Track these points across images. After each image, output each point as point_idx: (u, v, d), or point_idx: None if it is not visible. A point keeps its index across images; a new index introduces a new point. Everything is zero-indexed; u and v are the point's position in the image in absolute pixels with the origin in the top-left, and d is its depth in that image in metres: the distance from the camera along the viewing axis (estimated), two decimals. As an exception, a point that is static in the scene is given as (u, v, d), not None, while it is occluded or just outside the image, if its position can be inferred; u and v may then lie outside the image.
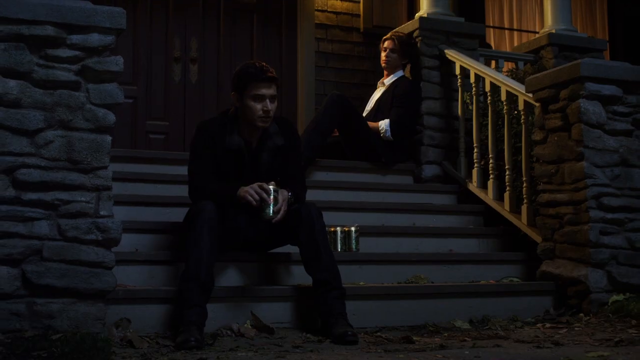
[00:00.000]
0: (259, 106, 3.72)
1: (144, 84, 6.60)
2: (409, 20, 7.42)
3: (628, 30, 8.30)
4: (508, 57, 6.22)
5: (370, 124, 5.41)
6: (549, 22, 6.18)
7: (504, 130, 4.93)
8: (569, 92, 4.19)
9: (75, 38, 3.19)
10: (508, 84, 4.85)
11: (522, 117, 4.75)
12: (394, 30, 5.84)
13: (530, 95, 4.51)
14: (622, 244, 4.12)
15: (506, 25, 8.07)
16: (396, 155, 5.44)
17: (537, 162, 4.44)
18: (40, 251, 3.08)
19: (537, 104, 4.45)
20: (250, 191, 3.55)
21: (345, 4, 7.24)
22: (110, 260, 3.16)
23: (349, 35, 7.23)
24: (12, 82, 3.09)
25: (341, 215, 4.65)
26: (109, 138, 3.22)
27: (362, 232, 4.34)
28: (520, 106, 4.74)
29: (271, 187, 3.56)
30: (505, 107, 4.90)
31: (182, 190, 4.37)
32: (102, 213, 3.17)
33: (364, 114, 5.59)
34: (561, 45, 6.02)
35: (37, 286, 3.06)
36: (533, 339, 3.36)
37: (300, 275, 3.85)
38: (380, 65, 5.80)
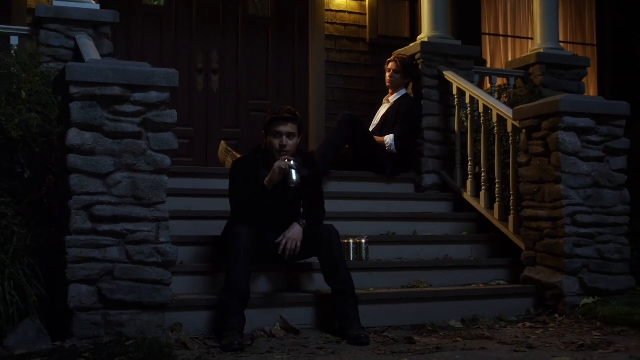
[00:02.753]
0: (277, 141, 4.41)
1: (170, 93, 7.24)
2: (411, 29, 8.15)
3: (616, 37, 8.92)
4: (500, 74, 6.89)
5: (377, 138, 6.10)
6: (538, 41, 6.82)
7: (495, 147, 5.61)
8: (550, 123, 4.88)
9: (138, 96, 3.88)
10: (499, 108, 5.53)
11: (511, 138, 5.43)
12: (398, 51, 6.49)
13: (517, 121, 5.19)
14: (592, 255, 4.84)
15: (501, 32, 8.69)
16: (399, 166, 6.13)
17: (522, 181, 5.13)
18: (112, 272, 3.80)
19: (523, 130, 5.13)
20: (274, 169, 4.27)
21: (353, 16, 7.87)
22: (168, 278, 3.89)
23: (356, 45, 7.87)
24: (88, 134, 3.79)
25: (352, 225, 5.37)
26: (166, 178, 3.92)
27: (371, 241, 5.04)
28: (509, 128, 5.42)
29: (292, 161, 4.26)
30: (496, 128, 5.58)
31: (217, 204, 5.11)
32: (161, 240, 3.88)
33: (371, 129, 6.27)
34: (548, 63, 6.68)
35: (111, 301, 3.78)
36: (513, 341, 4.08)
37: (320, 282, 4.56)
38: (383, 73, 6.43)
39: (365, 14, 7.91)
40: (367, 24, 7.90)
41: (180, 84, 7.06)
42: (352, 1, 7.86)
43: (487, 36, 8.60)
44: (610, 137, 4.94)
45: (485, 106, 5.69)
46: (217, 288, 4.36)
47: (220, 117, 7.40)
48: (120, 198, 3.83)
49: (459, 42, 6.43)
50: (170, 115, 3.94)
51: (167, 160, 3.91)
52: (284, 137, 4.40)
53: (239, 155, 5.92)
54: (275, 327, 4.29)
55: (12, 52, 5.06)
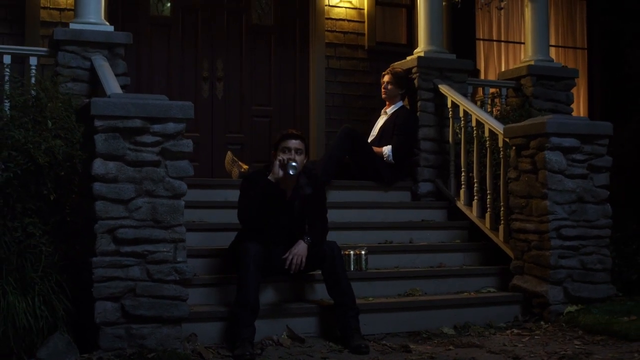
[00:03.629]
0: (285, 157, 4.74)
1: (177, 99, 7.53)
2: (408, 35, 8.46)
3: (605, 41, 9.23)
4: (493, 85, 7.22)
5: (375, 149, 6.44)
6: (529, 53, 7.15)
7: (487, 159, 5.95)
8: (537, 143, 5.22)
9: (156, 127, 4.21)
10: (490, 124, 5.86)
11: (502, 152, 5.77)
12: (395, 64, 6.81)
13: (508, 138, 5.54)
14: (576, 265, 5.21)
15: (494, 37, 9.01)
16: (396, 175, 6.47)
17: (512, 195, 5.48)
18: (134, 290, 4.15)
19: (512, 147, 5.47)
20: (275, 163, 4.68)
21: (352, 24, 8.18)
22: (185, 295, 4.24)
23: (354, 53, 8.18)
24: (111, 164, 4.13)
25: (353, 234, 5.75)
26: (182, 202, 4.26)
27: (370, 251, 5.39)
28: (500, 143, 5.76)
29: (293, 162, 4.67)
30: (488, 142, 5.91)
31: (226, 215, 5.45)
32: (178, 259, 4.23)
33: (370, 139, 6.60)
34: (539, 75, 7.00)
35: (133, 316, 4.14)
36: (501, 349, 4.46)
37: (322, 292, 4.91)
38: (381, 79, 6.75)
39: (363, 22, 8.21)
40: (366, 31, 8.20)
41: (187, 91, 7.59)
42: (351, 10, 8.15)
43: (481, 41, 8.90)
44: (594, 155, 5.29)
45: (478, 120, 6.02)
46: (228, 298, 4.73)
47: (224, 123, 7.72)
48: (141, 221, 4.17)
49: (454, 56, 6.75)
50: (187, 145, 4.27)
51: (184, 186, 4.25)
52: (293, 151, 4.74)
53: (245, 166, 6.28)
54: (283, 336, 4.65)
55: (32, 76, 5.40)
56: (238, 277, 4.54)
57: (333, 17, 8.09)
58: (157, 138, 4.21)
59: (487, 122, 5.91)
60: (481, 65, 8.76)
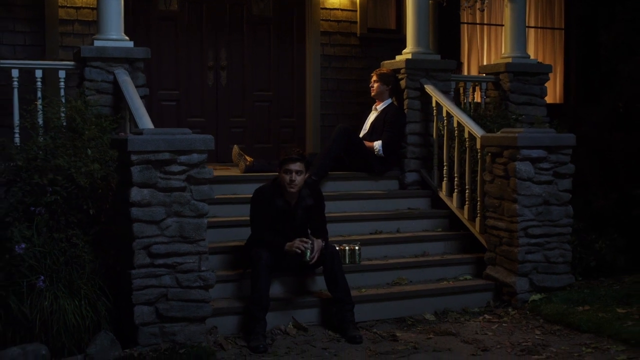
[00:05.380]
0: (287, 177, 5.49)
1: (184, 88, 8.26)
2: (397, 20, 9.08)
3: (581, 24, 9.88)
4: (474, 80, 7.93)
5: (367, 143, 7.18)
6: (508, 50, 7.83)
7: (466, 156, 6.69)
8: (509, 153, 5.98)
9: (182, 158, 4.92)
10: (470, 127, 6.58)
11: (479, 153, 6.52)
12: (385, 63, 7.50)
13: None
14: (541, 259, 6.03)
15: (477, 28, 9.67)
16: (386, 167, 7.22)
17: (487, 195, 6.26)
18: (166, 295, 4.94)
19: (489, 153, 6.23)
20: (295, 244, 5.38)
21: (345, 13, 8.80)
22: (208, 298, 5.04)
23: (347, 40, 8.83)
24: (145, 191, 4.86)
25: (348, 226, 6.55)
26: (205, 220, 5.01)
27: (362, 243, 6.17)
28: (478, 145, 6.50)
29: (308, 242, 5.39)
30: (467, 142, 6.65)
31: (238, 210, 6.20)
32: (202, 269, 5.01)
33: (362, 134, 7.34)
34: (515, 71, 7.71)
35: (165, 317, 4.94)
36: (473, 339, 5.30)
37: (321, 284, 5.72)
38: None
39: (356, 11, 8.84)
40: (358, 19, 8.84)
41: (193, 80, 8.30)
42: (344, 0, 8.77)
43: (465, 25, 9.53)
44: (559, 164, 6.05)
45: (459, 123, 6.74)
46: (243, 292, 5.56)
47: (228, 108, 8.42)
48: (171, 238, 4.93)
49: (438, 57, 7.43)
50: (208, 172, 5.00)
51: (206, 207, 5.00)
52: (293, 173, 5.49)
53: (249, 158, 7.02)
54: (289, 325, 5.49)
55: (61, 88, 6.08)
56: (252, 281, 5.33)
57: (328, 7, 8.70)
58: (183, 167, 4.93)
59: (467, 125, 6.63)
60: (464, 47, 9.42)
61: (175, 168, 4.92)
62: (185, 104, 8.26)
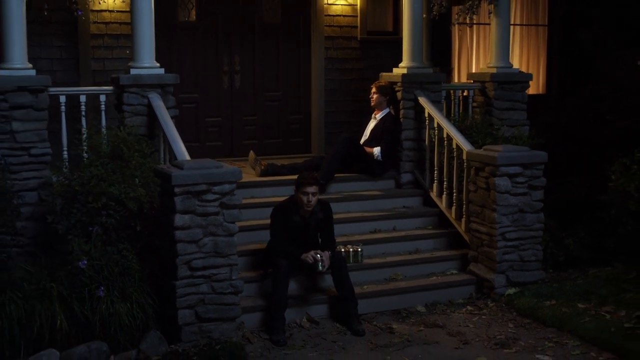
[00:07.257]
0: (304, 198, 6.50)
1: (202, 91, 9.18)
2: (394, 23, 9.95)
3: (563, 22, 10.75)
4: (463, 88, 8.86)
5: (367, 149, 8.17)
6: (493, 61, 8.73)
7: (454, 162, 7.67)
8: (490, 169, 6.97)
9: (216, 188, 5.90)
10: (457, 140, 7.55)
11: (465, 163, 7.50)
12: (384, 75, 8.42)
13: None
14: (516, 259, 7.09)
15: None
16: (384, 169, 8.22)
17: (471, 203, 7.28)
18: (203, 300, 5.98)
19: (473, 167, 7.22)
20: (308, 256, 6.41)
21: (347, 18, 9.67)
22: (237, 301, 6.08)
23: (349, 43, 9.71)
24: (186, 217, 5.86)
25: (349, 226, 7.58)
26: (235, 238, 6.02)
27: (363, 242, 7.22)
28: (464, 157, 7.48)
29: (319, 254, 6.42)
30: (455, 152, 7.63)
31: (260, 213, 7.19)
32: (233, 278, 6.05)
33: (362, 140, 8.31)
34: (500, 81, 8.63)
35: (203, 318, 5.99)
36: (457, 332, 6.36)
37: (329, 282, 6.77)
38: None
39: (356, 16, 9.70)
40: (358, 24, 9.71)
41: (210, 83, 9.28)
42: (346, 6, 9.63)
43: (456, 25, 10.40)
44: (533, 178, 7.05)
45: (448, 135, 7.71)
46: (264, 290, 6.60)
47: (241, 108, 9.36)
48: (207, 254, 5.94)
49: (431, 70, 8.38)
50: (237, 199, 5.99)
51: (236, 228, 6.00)
52: (310, 195, 6.49)
53: (264, 162, 8.01)
54: (303, 319, 6.56)
55: (102, 110, 7.01)
56: (273, 285, 6.38)
57: (331, 13, 9.56)
58: (217, 195, 5.91)
59: (455, 138, 7.60)
60: (455, 49, 10.32)
61: (210, 197, 5.90)
62: (203, 105, 9.19)
